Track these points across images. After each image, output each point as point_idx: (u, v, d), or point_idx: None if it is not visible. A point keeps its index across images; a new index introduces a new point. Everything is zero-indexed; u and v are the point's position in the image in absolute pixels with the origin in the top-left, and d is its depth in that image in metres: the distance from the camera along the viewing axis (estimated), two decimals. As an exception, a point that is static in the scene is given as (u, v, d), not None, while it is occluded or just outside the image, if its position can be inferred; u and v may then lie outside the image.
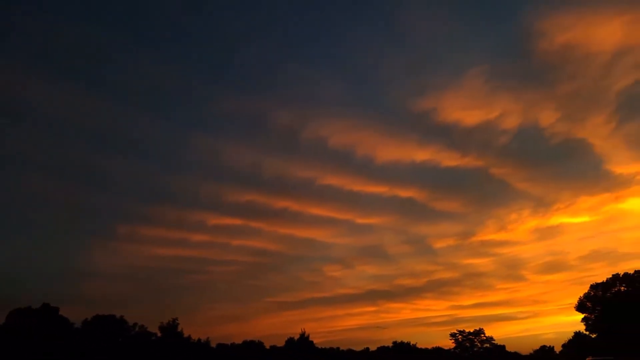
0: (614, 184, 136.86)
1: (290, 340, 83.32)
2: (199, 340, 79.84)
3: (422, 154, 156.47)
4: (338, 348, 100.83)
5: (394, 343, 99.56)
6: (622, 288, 66.05)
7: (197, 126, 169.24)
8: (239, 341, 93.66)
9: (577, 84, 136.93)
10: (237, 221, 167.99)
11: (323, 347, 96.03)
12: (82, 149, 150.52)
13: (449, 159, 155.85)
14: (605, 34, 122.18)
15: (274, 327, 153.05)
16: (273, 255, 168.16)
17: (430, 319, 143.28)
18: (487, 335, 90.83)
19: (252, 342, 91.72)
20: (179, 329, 72.87)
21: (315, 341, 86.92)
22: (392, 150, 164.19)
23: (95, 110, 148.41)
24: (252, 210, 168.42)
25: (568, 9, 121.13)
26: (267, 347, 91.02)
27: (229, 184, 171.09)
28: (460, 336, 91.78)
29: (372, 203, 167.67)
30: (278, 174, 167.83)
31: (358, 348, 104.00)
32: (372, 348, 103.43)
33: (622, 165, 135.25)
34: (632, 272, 66.52)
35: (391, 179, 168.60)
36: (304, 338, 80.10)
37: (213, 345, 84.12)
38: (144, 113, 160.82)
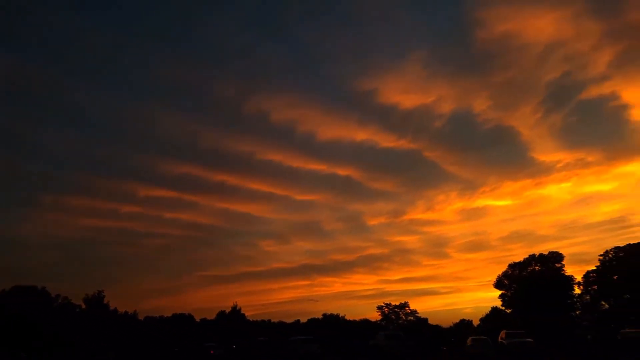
0: (536, 171, 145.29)
1: (221, 314, 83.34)
2: (126, 312, 78.17)
3: (361, 134, 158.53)
4: (269, 320, 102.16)
5: (324, 315, 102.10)
6: (537, 267, 70.68)
7: (131, 93, 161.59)
8: (168, 314, 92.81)
9: (511, 74, 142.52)
10: (171, 193, 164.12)
11: (255, 319, 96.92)
12: (8, 115, 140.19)
13: (387, 140, 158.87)
14: (539, 27, 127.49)
15: (206, 300, 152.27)
16: (207, 230, 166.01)
17: (360, 292, 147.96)
18: (411, 308, 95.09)
19: (182, 315, 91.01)
20: (105, 302, 70.96)
21: (247, 314, 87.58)
22: (333, 129, 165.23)
23: (22, 76, 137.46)
24: (187, 183, 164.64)
25: (506, 1, 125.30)
26: (198, 320, 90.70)
27: (163, 154, 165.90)
28: (386, 309, 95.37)
29: (311, 180, 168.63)
30: (216, 147, 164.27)
31: (289, 320, 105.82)
32: (303, 320, 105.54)
33: (545, 154, 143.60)
34: (546, 252, 71.27)
35: (331, 157, 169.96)
36: (235, 311, 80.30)
37: (141, 318, 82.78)
38: (74, 79, 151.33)
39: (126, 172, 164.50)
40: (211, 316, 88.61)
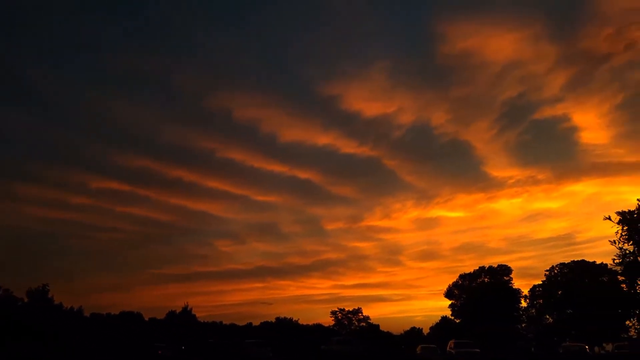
0: (489, 185, 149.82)
1: (171, 314, 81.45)
2: (71, 308, 75.41)
3: (323, 138, 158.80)
4: (221, 322, 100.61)
5: (278, 319, 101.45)
6: (486, 279, 72.87)
7: (88, 78, 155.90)
8: (116, 312, 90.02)
9: (469, 90, 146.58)
10: (125, 186, 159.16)
11: (206, 321, 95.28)
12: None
13: (348, 146, 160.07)
14: (498, 46, 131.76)
15: (156, 299, 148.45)
16: (161, 226, 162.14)
17: (315, 296, 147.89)
18: (364, 314, 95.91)
19: (130, 313, 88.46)
20: (50, 296, 68.24)
21: (198, 315, 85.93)
22: (296, 131, 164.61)
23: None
24: (143, 177, 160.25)
25: (469, 18, 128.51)
26: (147, 319, 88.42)
27: (119, 145, 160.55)
28: (340, 314, 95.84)
29: (271, 181, 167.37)
30: (175, 141, 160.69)
31: (242, 323, 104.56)
32: (256, 323, 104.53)
33: (498, 169, 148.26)
34: (495, 265, 73.67)
35: (292, 159, 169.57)
36: (186, 311, 78.65)
37: (87, 314, 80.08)
38: (25, 58, 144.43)
39: (78, 161, 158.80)
40: (161, 316, 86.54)
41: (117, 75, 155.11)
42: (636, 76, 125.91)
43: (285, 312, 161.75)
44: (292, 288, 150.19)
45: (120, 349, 56.19)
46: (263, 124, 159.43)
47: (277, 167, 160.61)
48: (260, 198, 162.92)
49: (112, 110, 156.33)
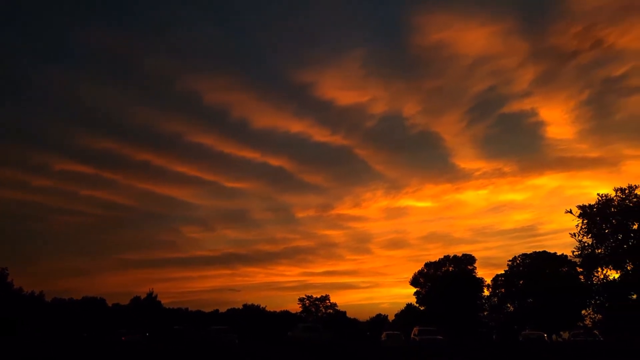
0: (456, 177, 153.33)
1: (136, 299, 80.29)
2: (32, 293, 73.48)
3: (296, 126, 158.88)
4: (187, 309, 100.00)
5: (244, 305, 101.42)
6: (451, 268, 74.31)
7: (52, 56, 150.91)
8: (78, 297, 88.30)
9: (441, 82, 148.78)
10: (89, 169, 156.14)
11: (171, 307, 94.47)
12: None
13: (320, 135, 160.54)
14: (470, 40, 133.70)
15: (120, 285, 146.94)
16: (127, 211, 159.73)
17: (283, 283, 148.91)
18: (331, 301, 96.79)
19: (93, 298, 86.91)
20: (9, 280, 66.21)
21: (164, 302, 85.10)
22: (268, 118, 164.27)
23: None
24: (108, 159, 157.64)
25: (443, 11, 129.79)
26: (110, 305, 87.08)
27: (84, 126, 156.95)
28: (307, 301, 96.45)
29: (242, 167, 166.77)
30: (143, 124, 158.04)
31: (208, 310, 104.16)
32: (222, 310, 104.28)
33: (466, 161, 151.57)
34: (460, 254, 75.19)
35: (264, 146, 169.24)
36: (151, 298, 77.62)
37: (48, 299, 78.33)
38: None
39: (41, 141, 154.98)
40: (125, 302, 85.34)
41: (84, 55, 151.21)
42: (601, 74, 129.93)
43: (252, 299, 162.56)
44: (260, 275, 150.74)
45: (82, 335, 55.12)
46: (234, 109, 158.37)
47: (248, 153, 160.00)
48: (230, 184, 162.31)
49: (77, 90, 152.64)
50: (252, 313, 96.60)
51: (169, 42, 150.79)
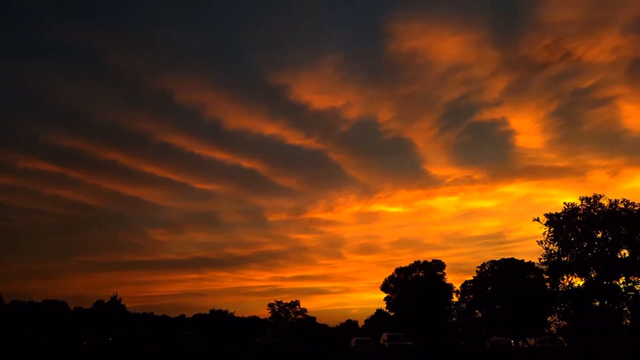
0: (428, 183, 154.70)
1: (99, 303, 77.96)
2: (-11, 295, 70.69)
3: (270, 128, 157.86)
4: (152, 313, 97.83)
5: (212, 311, 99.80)
6: (421, 273, 74.65)
7: (17, 52, 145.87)
8: (39, 300, 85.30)
9: (414, 89, 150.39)
10: (54, 168, 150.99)
11: (136, 312, 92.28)
12: None
13: (294, 138, 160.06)
14: (444, 48, 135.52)
15: (83, 288, 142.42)
16: (92, 211, 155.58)
17: (253, 288, 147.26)
18: (302, 307, 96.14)
19: (54, 301, 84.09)
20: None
21: (128, 306, 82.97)
22: (242, 119, 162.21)
23: None
24: (74, 158, 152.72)
25: (418, 19, 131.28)
26: (72, 308, 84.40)
27: (49, 123, 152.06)
28: (277, 306, 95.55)
29: (213, 169, 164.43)
30: (111, 122, 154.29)
31: (174, 315, 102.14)
32: (189, 315, 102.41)
33: (437, 168, 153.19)
34: (430, 260, 75.61)
35: (236, 148, 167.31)
36: (115, 301, 75.44)
37: (6, 302, 75.52)
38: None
39: (4, 139, 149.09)
40: (88, 305, 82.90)
41: (50, 50, 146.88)
42: (570, 85, 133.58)
43: (220, 304, 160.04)
44: (229, 280, 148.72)
45: (42, 339, 52.97)
46: (207, 109, 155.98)
47: (220, 155, 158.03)
48: (200, 186, 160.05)
49: (43, 86, 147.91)
50: (220, 318, 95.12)
51: (140, 39, 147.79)
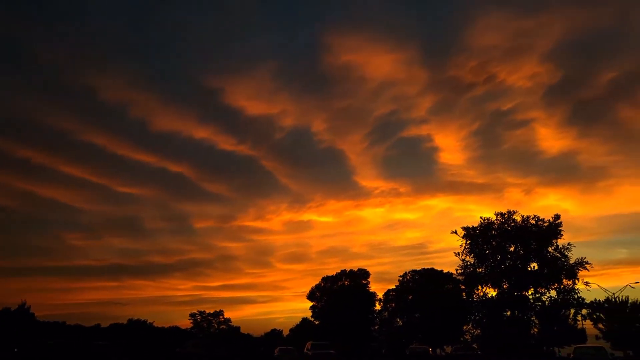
0: (358, 194, 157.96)
1: (5, 311, 72.16)
2: None
3: (200, 132, 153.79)
4: (64, 322, 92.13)
5: (130, 320, 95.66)
6: (347, 282, 75.86)
7: None
8: None
9: (348, 102, 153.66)
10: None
11: (47, 320, 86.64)
12: None
13: (226, 143, 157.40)
14: (377, 64, 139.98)
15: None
16: (1, 212, 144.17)
17: (175, 297, 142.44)
18: (226, 317, 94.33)
19: (-49, 310, 76.81)
20: None
21: (37, 314, 77.55)
22: (170, 121, 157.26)
23: None
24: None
25: (354, 34, 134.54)
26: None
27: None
28: (199, 316, 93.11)
29: (136, 171, 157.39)
30: (26, 117, 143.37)
31: (89, 324, 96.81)
32: (105, 324, 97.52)
33: (366, 180, 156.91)
34: (356, 269, 77.03)
35: (163, 150, 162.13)
36: (23, 309, 70.27)
37: None
38: None
39: None
40: (-9, 313, 76.55)
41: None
42: (491, 107, 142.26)
43: (140, 313, 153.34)
44: (150, 288, 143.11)
45: None
46: (133, 108, 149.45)
47: (144, 157, 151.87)
48: (121, 189, 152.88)
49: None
50: (138, 328, 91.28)
51: (62, 30, 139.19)
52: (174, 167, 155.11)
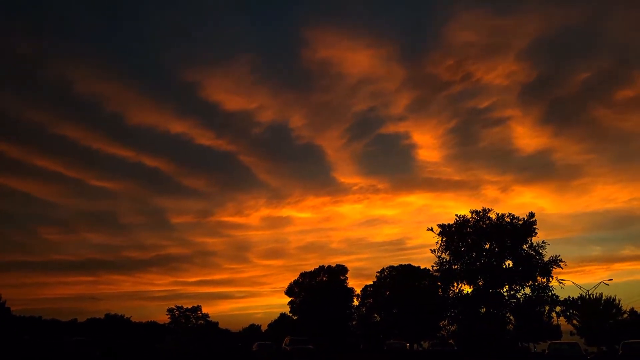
0: (336, 190, 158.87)
1: (-22, 307, 71.00)
2: None
3: (177, 126, 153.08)
4: (40, 317, 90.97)
5: (107, 315, 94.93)
6: (325, 278, 76.43)
7: None
8: None
9: (327, 98, 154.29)
10: None
11: (22, 315, 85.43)
12: None
13: (204, 137, 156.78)
14: (355, 61, 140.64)
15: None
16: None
17: (152, 293, 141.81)
18: (204, 312, 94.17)
19: None
20: None
21: (13, 309, 76.49)
22: (147, 114, 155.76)
23: None
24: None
25: (333, 29, 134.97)
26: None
27: None
28: (177, 312, 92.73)
29: (112, 166, 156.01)
30: (0, 110, 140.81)
31: (65, 319, 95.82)
32: (82, 319, 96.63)
33: (345, 176, 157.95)
34: (334, 265, 77.72)
35: (140, 144, 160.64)
36: (-3, 304, 69.23)
37: None
38: None
39: None
40: (-36, 309, 75.11)
41: None
42: (467, 105, 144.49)
43: (117, 308, 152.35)
44: (127, 284, 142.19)
45: None
46: (109, 101, 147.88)
47: (120, 151, 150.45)
48: (97, 183, 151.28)
49: None
50: (116, 323, 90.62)
51: (36, 21, 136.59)
52: (151, 162, 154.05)
